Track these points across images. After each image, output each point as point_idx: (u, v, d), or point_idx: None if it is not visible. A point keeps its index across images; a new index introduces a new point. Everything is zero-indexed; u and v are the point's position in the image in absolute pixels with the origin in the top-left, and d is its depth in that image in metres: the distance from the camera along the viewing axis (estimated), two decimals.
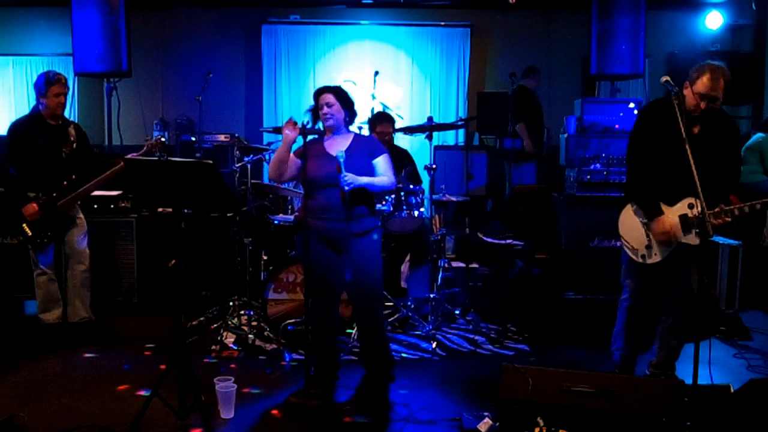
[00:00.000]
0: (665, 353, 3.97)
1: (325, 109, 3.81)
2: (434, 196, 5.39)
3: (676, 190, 3.68)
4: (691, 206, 3.62)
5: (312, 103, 3.92)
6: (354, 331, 4.68)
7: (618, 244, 4.05)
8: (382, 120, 5.55)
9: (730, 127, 3.78)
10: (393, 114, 5.89)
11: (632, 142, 3.89)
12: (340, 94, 3.85)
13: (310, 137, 3.81)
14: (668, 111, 3.53)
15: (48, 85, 4.62)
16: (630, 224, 3.89)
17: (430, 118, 5.27)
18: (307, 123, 3.84)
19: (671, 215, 3.73)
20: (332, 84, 4.04)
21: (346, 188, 3.66)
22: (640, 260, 3.84)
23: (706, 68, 3.64)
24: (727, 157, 3.71)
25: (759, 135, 6.41)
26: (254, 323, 4.85)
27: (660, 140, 3.70)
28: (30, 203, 4.61)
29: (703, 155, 3.48)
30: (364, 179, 3.76)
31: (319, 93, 3.87)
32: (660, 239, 3.73)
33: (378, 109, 6.17)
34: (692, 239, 3.68)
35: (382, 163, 3.89)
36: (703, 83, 3.61)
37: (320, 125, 3.93)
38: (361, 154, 3.83)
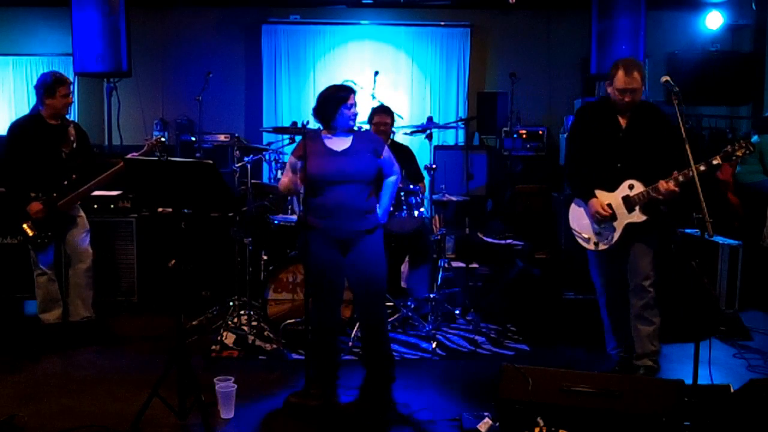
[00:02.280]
0: (635, 342, 4.06)
1: (354, 110, 3.84)
2: (434, 196, 5.39)
3: (615, 177, 3.91)
4: (631, 187, 3.87)
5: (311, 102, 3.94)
6: (354, 331, 4.68)
7: None
8: (380, 111, 5.51)
9: (658, 119, 3.92)
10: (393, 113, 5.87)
11: (569, 140, 4.18)
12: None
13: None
14: (600, 110, 3.97)
15: (58, 85, 4.61)
16: (578, 216, 4.10)
17: (430, 118, 5.28)
18: (307, 123, 3.85)
19: (613, 199, 3.92)
20: (332, 84, 4.04)
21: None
22: (593, 248, 4.03)
23: (619, 64, 3.87)
24: (661, 146, 3.85)
25: (756, 137, 6.42)
26: (254, 323, 4.85)
27: (595, 135, 3.97)
28: (34, 202, 4.61)
29: (633, 146, 3.85)
30: (386, 200, 3.98)
31: (352, 92, 3.88)
32: (597, 218, 3.93)
33: None
34: (637, 216, 3.86)
35: (387, 159, 3.95)
36: (619, 79, 3.83)
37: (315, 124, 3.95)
38: (365, 151, 3.85)
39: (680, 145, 3.37)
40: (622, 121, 3.95)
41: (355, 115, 3.87)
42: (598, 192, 3.97)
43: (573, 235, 4.14)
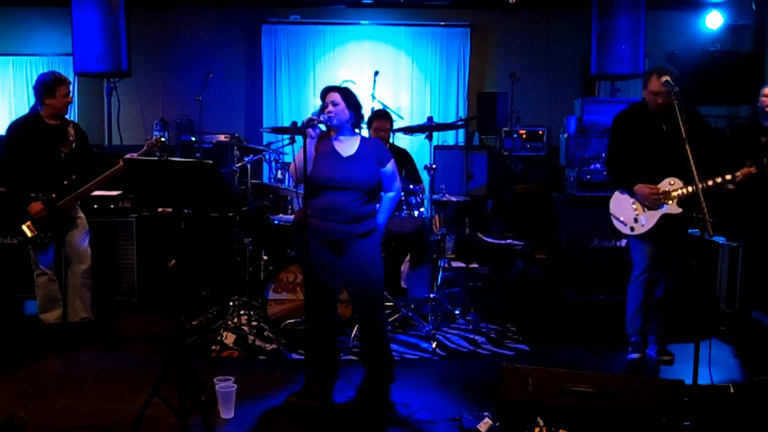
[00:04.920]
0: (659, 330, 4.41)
1: (330, 108, 3.78)
2: (434, 196, 5.39)
3: (658, 174, 4.22)
4: (671, 183, 4.17)
5: (316, 103, 3.91)
6: (354, 331, 4.68)
7: (621, 243, 4.44)
8: (380, 117, 5.52)
9: (692, 118, 4.07)
10: (393, 114, 5.87)
11: (612, 142, 4.46)
12: (346, 94, 3.83)
13: (315, 131, 3.75)
14: (640, 114, 4.29)
15: (58, 84, 4.60)
16: (619, 202, 4.37)
17: (430, 118, 5.27)
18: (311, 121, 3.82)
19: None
20: (334, 84, 4.03)
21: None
22: (630, 232, 4.32)
23: (652, 71, 4.18)
24: (700, 143, 3.99)
25: None
26: (254, 323, 4.85)
27: (638, 138, 4.28)
28: (34, 202, 4.61)
29: (677, 146, 3.93)
30: (383, 217, 3.99)
31: (326, 91, 3.86)
32: (649, 200, 4.19)
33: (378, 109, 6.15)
34: (674, 209, 4.16)
35: (390, 172, 3.93)
36: (653, 82, 4.11)
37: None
38: (369, 159, 3.84)
39: (709, 144, 3.68)
40: (663, 126, 4.19)
41: (333, 114, 3.78)
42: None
43: (610, 219, 4.41)
